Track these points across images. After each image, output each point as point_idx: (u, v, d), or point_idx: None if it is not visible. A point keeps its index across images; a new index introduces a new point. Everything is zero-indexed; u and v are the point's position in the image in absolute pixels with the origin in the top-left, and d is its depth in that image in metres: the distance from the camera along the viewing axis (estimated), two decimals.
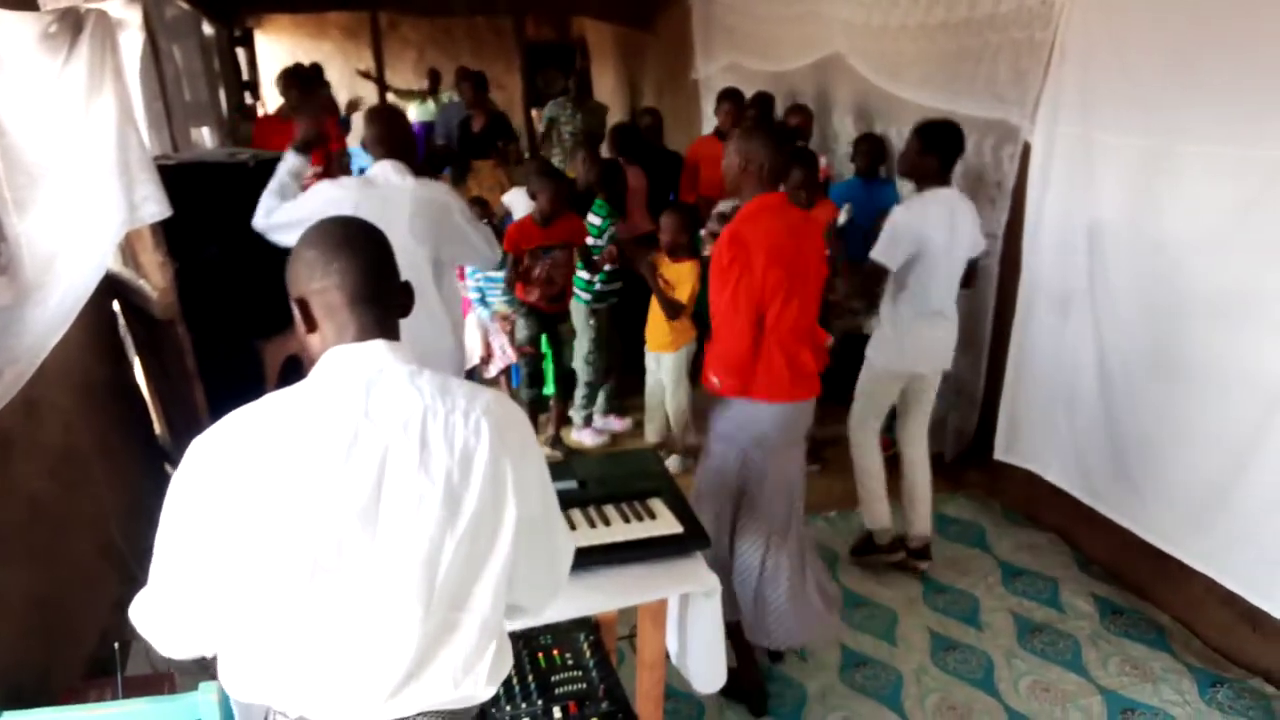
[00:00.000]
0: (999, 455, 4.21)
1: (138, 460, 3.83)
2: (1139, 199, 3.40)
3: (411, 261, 2.88)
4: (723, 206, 4.70)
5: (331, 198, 3.06)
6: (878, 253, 3.41)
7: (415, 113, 9.26)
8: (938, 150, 3.44)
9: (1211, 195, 3.12)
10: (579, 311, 4.83)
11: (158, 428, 4.16)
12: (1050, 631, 3.44)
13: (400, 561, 1.39)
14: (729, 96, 5.64)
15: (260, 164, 3.86)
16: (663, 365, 4.60)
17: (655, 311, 4.47)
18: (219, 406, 3.66)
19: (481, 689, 1.48)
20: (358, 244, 1.48)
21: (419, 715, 1.45)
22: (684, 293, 4.31)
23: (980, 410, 4.48)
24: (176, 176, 3.36)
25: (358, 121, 6.56)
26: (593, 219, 4.77)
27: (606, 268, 4.71)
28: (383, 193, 3.11)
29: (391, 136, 3.26)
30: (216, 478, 1.37)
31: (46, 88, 2.75)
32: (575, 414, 5.04)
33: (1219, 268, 3.12)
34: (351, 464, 1.37)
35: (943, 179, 3.46)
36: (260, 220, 3.26)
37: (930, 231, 3.39)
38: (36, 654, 2.71)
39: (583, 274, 4.72)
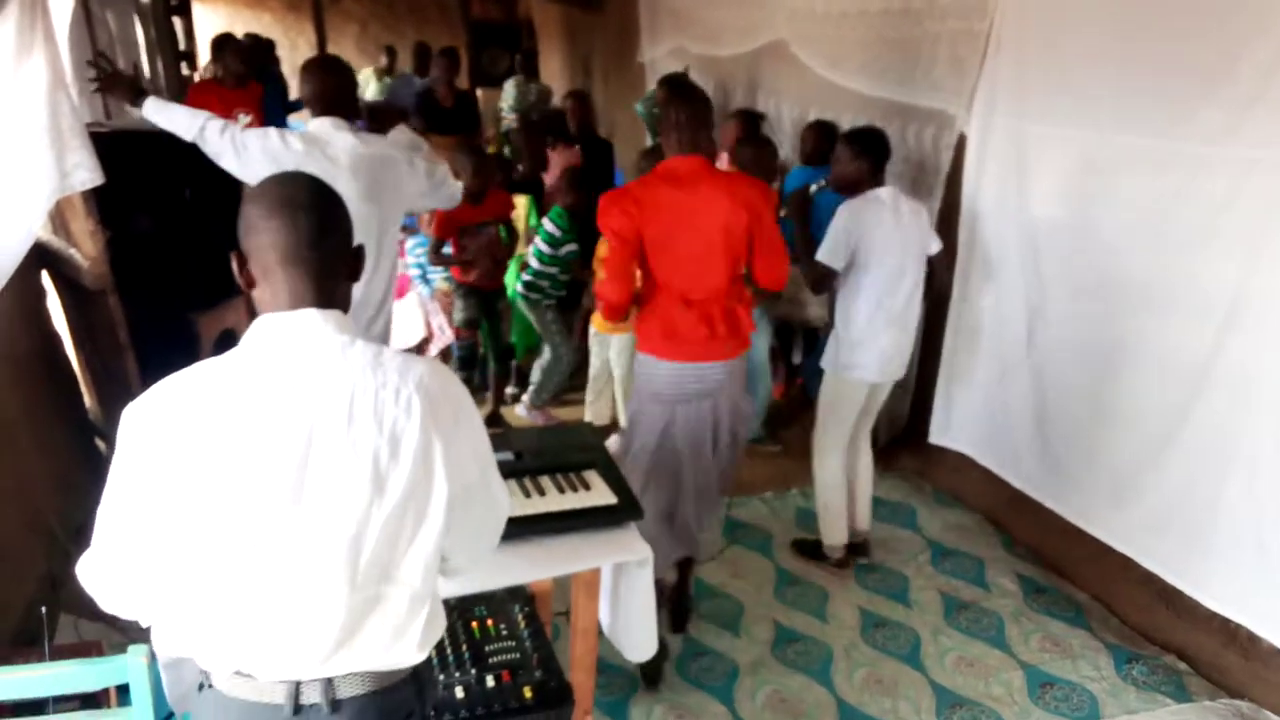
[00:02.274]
0: (933, 438, 4.30)
1: (66, 434, 3.74)
2: (1069, 189, 3.51)
3: (361, 223, 2.84)
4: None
5: (270, 149, 2.94)
6: (822, 253, 3.41)
7: (374, 90, 9.15)
8: (868, 155, 3.45)
9: (1139, 186, 3.23)
10: (526, 308, 4.83)
11: (88, 402, 4.06)
12: (976, 609, 3.54)
13: (325, 536, 1.39)
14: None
15: None
16: (612, 346, 4.61)
17: None
18: (152, 380, 3.60)
19: (412, 654, 1.49)
20: (298, 204, 1.45)
21: (351, 674, 1.46)
22: None
23: (912, 394, 4.57)
24: (110, 145, 3.28)
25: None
26: (550, 228, 4.67)
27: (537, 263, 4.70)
28: (323, 150, 2.97)
29: (328, 90, 3.09)
30: (148, 444, 1.37)
31: None
32: (529, 397, 5.00)
33: (1145, 257, 3.23)
34: (278, 437, 1.36)
35: (876, 181, 3.47)
36: (195, 133, 3.07)
37: (872, 231, 3.35)
38: None
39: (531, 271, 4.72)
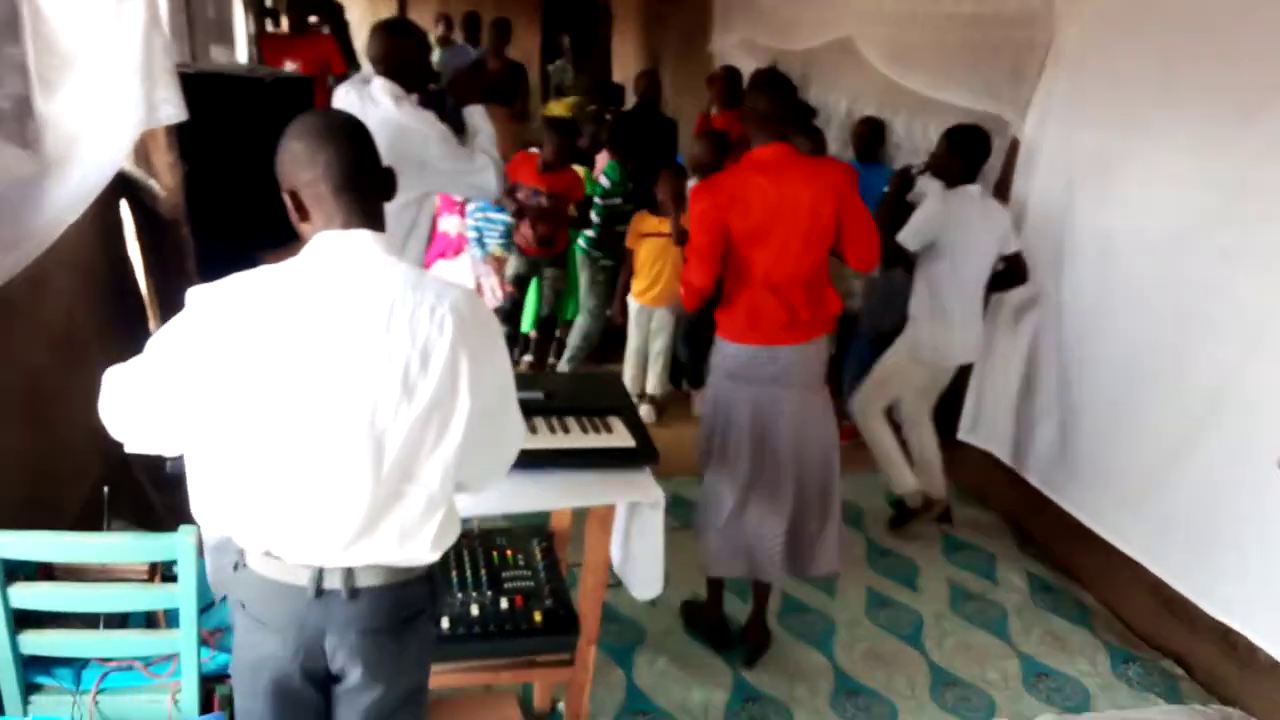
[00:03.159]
0: (962, 435, 4.39)
1: (129, 353, 3.98)
2: (1110, 199, 3.57)
3: None
4: None
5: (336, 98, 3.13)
6: (904, 235, 3.66)
7: (435, 58, 9.43)
8: (963, 153, 3.67)
9: (1180, 203, 3.29)
10: (583, 265, 5.01)
11: (153, 327, 4.30)
12: (981, 600, 3.64)
13: (354, 431, 1.54)
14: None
15: (277, 81, 4.00)
16: (654, 319, 4.76)
17: (646, 264, 4.63)
18: None
19: (425, 553, 1.64)
20: (341, 135, 1.62)
21: (370, 566, 1.62)
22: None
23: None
24: (194, 85, 3.46)
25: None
26: (603, 180, 4.95)
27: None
28: (362, 107, 3.02)
29: (389, 55, 3.12)
30: (209, 321, 1.54)
31: None
32: (564, 365, 5.17)
33: (1176, 273, 3.29)
34: (323, 338, 1.52)
35: (968, 179, 3.68)
36: None
37: (953, 225, 3.61)
38: (22, 518, 2.87)
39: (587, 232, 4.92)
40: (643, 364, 4.94)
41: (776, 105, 2.87)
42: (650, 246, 4.65)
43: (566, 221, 4.90)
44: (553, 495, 2.26)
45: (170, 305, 4.05)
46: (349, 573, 1.60)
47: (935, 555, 3.92)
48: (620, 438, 2.36)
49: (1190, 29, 3.25)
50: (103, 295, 3.65)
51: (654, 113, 6.06)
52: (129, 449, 1.69)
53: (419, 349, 1.54)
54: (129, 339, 3.94)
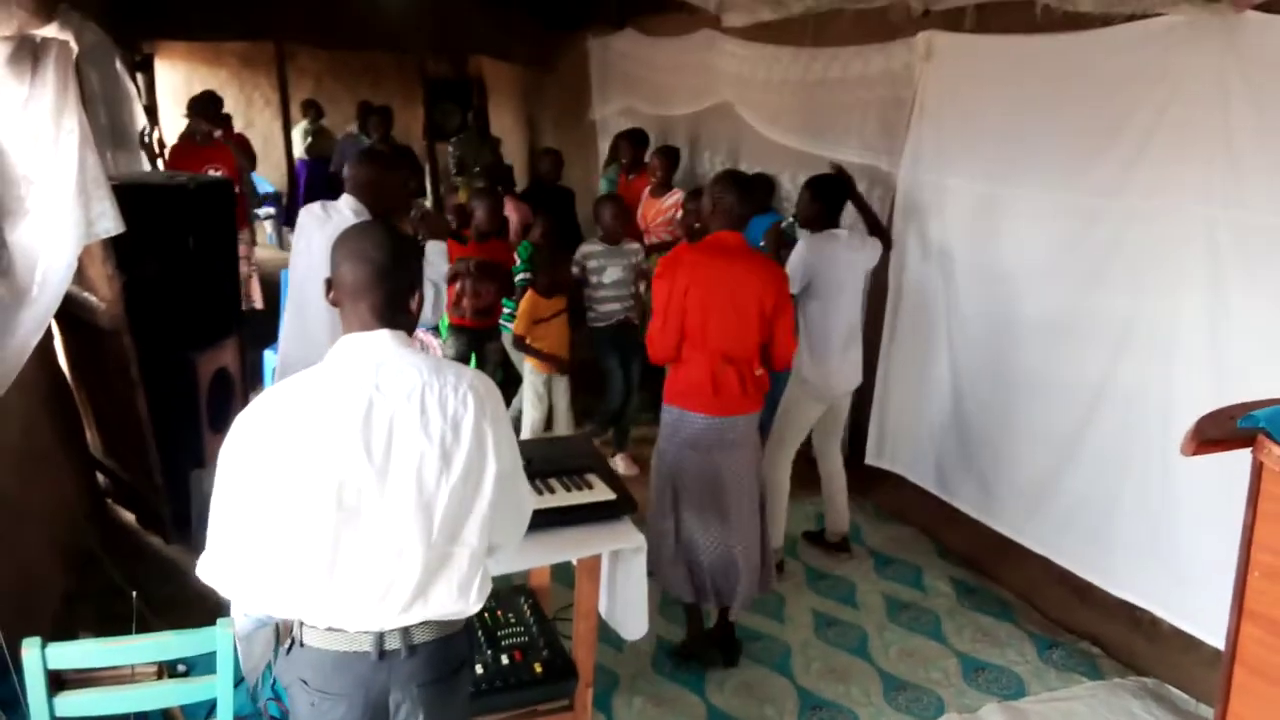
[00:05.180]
0: (869, 460, 4.76)
1: (74, 467, 3.99)
2: (982, 235, 4.02)
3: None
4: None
5: (302, 224, 3.33)
6: None
7: (303, 140, 9.67)
8: (823, 199, 4.03)
9: (1042, 232, 3.75)
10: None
11: (89, 439, 4.30)
12: (915, 608, 3.97)
13: (406, 506, 1.75)
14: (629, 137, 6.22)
15: (200, 187, 4.11)
16: (555, 388, 4.99)
17: (546, 343, 4.88)
18: (157, 413, 3.87)
19: (471, 605, 1.85)
20: (372, 245, 1.84)
21: (423, 623, 1.81)
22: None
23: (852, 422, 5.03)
24: (122, 196, 3.58)
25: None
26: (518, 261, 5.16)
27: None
28: (325, 215, 3.25)
29: (357, 180, 3.32)
30: (259, 442, 1.73)
31: (19, 110, 2.99)
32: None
33: (1047, 294, 3.75)
34: (368, 427, 1.73)
35: (831, 223, 4.03)
36: None
37: (822, 266, 3.91)
38: None
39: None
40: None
41: (740, 201, 3.28)
42: (548, 329, 4.84)
43: (504, 289, 5.07)
44: (547, 552, 2.47)
45: (108, 415, 4.09)
46: (406, 631, 1.79)
47: (868, 572, 4.24)
48: (601, 492, 2.59)
49: (1030, 82, 3.74)
50: (49, 411, 3.68)
51: (560, 189, 6.37)
52: (247, 610, 1.85)
53: (450, 423, 1.77)
54: (70, 451, 3.97)
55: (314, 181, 9.37)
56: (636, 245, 5.11)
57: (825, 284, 3.93)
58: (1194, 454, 1.63)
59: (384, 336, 1.82)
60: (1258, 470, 1.64)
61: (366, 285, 1.81)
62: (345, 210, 3.24)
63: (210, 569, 1.80)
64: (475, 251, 4.93)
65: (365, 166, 3.36)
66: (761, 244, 4.49)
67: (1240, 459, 1.71)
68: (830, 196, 4.05)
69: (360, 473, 1.72)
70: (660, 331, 3.24)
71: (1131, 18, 3.25)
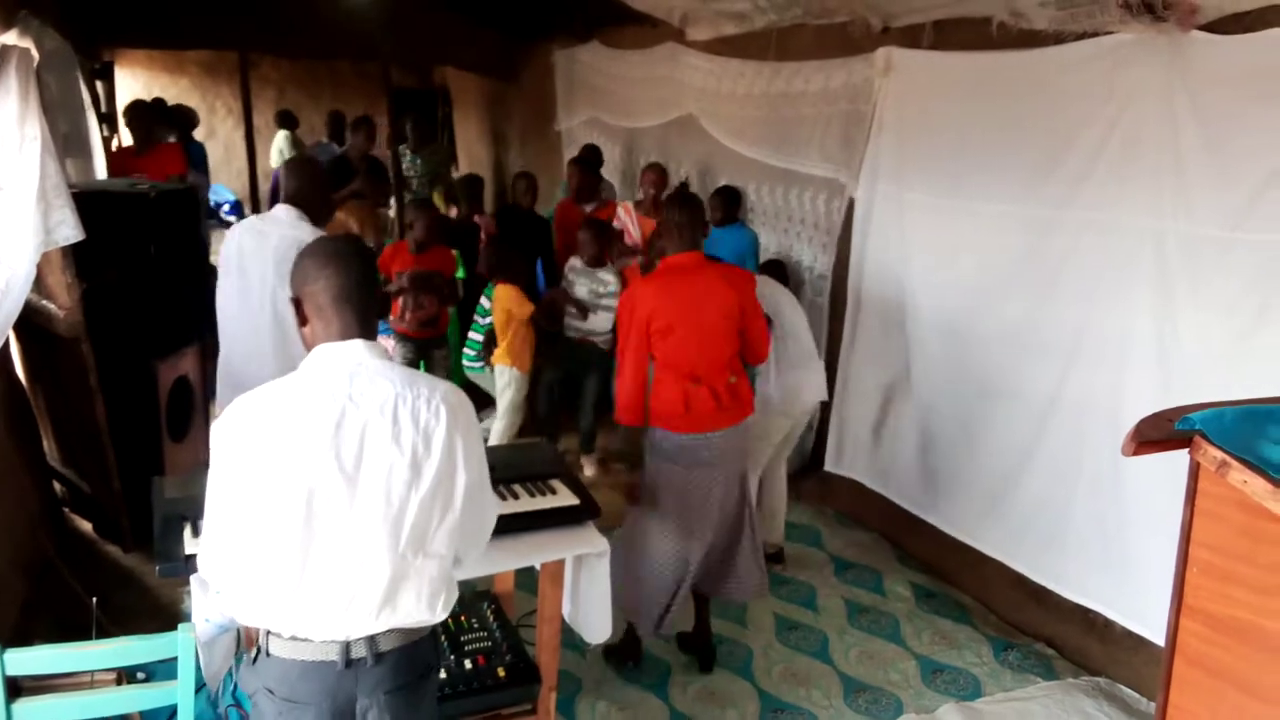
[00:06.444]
0: (828, 467, 4.84)
1: (32, 477, 3.94)
2: (940, 247, 4.11)
3: (271, 294, 3.21)
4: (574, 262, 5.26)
5: (229, 235, 3.40)
6: None
7: (285, 152, 9.55)
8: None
9: (997, 245, 3.84)
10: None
11: (46, 447, 4.25)
12: (875, 612, 4.03)
13: (375, 515, 1.76)
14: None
15: (160, 195, 4.09)
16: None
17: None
18: (116, 422, 3.84)
19: (436, 615, 1.87)
20: (344, 256, 1.88)
21: (389, 631, 1.82)
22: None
23: (815, 431, 5.10)
24: (82, 204, 3.56)
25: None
26: (485, 301, 5.17)
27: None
28: (262, 228, 3.35)
29: (292, 186, 3.40)
30: (235, 449, 1.75)
31: None
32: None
33: (1003, 305, 3.83)
34: (340, 436, 1.74)
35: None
36: None
37: (771, 301, 3.94)
38: None
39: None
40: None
41: (693, 219, 3.30)
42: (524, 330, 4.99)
43: (446, 299, 5.09)
44: (513, 557, 2.49)
45: (66, 424, 4.05)
46: (372, 639, 1.80)
47: (829, 577, 4.29)
48: (565, 497, 2.62)
49: (986, 98, 3.84)
50: (6, 419, 3.64)
51: (535, 216, 6.35)
52: (210, 615, 1.88)
53: (422, 434, 1.79)
54: (28, 461, 3.92)
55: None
56: (611, 277, 5.13)
57: (779, 317, 4.05)
58: (1134, 454, 1.69)
59: (358, 346, 1.84)
60: (1194, 470, 1.70)
61: (344, 296, 1.84)
62: (285, 217, 3.31)
63: (205, 564, 1.84)
64: (414, 263, 4.94)
65: (298, 176, 3.44)
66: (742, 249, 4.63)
67: (1185, 472, 1.77)
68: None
69: (331, 481, 1.73)
70: (631, 380, 3.24)
71: (1083, 36, 3.35)
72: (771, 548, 4.30)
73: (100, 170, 5.75)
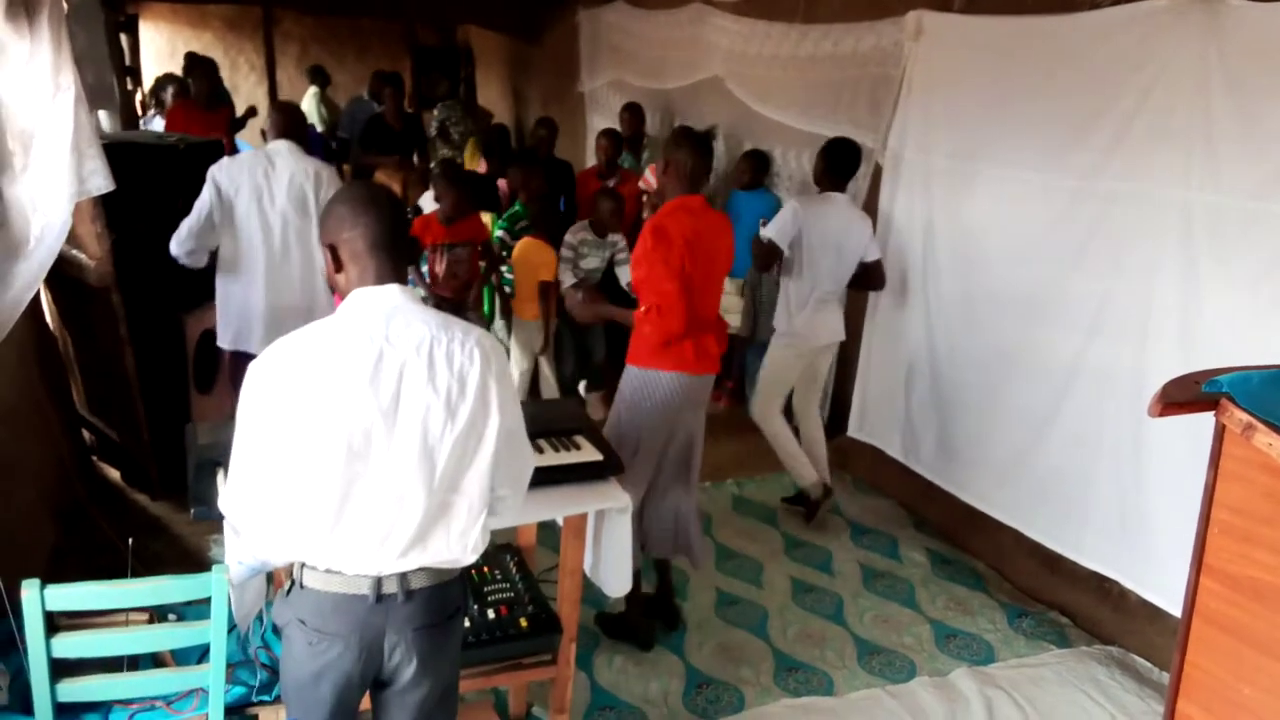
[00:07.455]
0: (852, 433, 4.85)
1: (61, 424, 4.01)
2: (964, 215, 4.09)
3: (294, 227, 3.64)
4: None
5: (214, 177, 3.66)
6: (769, 230, 4.10)
7: (314, 110, 9.52)
8: (831, 164, 4.16)
9: (1024, 213, 3.81)
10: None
11: (75, 395, 4.32)
12: (890, 577, 4.06)
13: (411, 452, 1.80)
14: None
15: (189, 147, 4.12)
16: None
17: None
18: (145, 373, 3.90)
19: (468, 555, 1.91)
20: (379, 203, 1.89)
21: (420, 569, 1.87)
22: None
23: (832, 395, 5.12)
24: (115, 154, 3.59)
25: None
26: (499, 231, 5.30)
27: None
28: (270, 163, 3.72)
29: (286, 123, 3.87)
30: (272, 389, 1.78)
31: (23, 66, 2.99)
32: None
33: (1027, 274, 3.81)
34: (378, 377, 1.77)
35: (836, 186, 4.17)
36: (174, 248, 3.71)
37: (814, 221, 4.04)
38: None
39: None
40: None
41: (698, 160, 3.23)
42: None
43: (478, 270, 5.11)
44: (539, 509, 2.53)
45: (96, 373, 4.11)
46: (404, 577, 1.84)
47: (845, 541, 4.33)
48: (589, 453, 2.65)
49: (1017, 63, 3.79)
50: (37, 367, 3.69)
51: (556, 161, 6.36)
52: (243, 558, 1.89)
53: (457, 377, 1.82)
54: (57, 408, 3.99)
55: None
56: (619, 238, 5.15)
57: (810, 243, 4.07)
58: (1160, 415, 1.70)
59: (394, 290, 1.86)
60: (1220, 432, 1.71)
61: (380, 243, 1.86)
62: (289, 153, 3.75)
63: (230, 506, 1.86)
64: (445, 235, 4.92)
65: (291, 115, 3.97)
66: (766, 214, 4.60)
67: (1207, 443, 1.78)
68: (840, 162, 4.15)
69: (369, 420, 1.77)
70: (671, 300, 3.06)
71: (1118, 2, 3.31)
72: (816, 489, 4.35)
73: (118, 122, 5.85)
